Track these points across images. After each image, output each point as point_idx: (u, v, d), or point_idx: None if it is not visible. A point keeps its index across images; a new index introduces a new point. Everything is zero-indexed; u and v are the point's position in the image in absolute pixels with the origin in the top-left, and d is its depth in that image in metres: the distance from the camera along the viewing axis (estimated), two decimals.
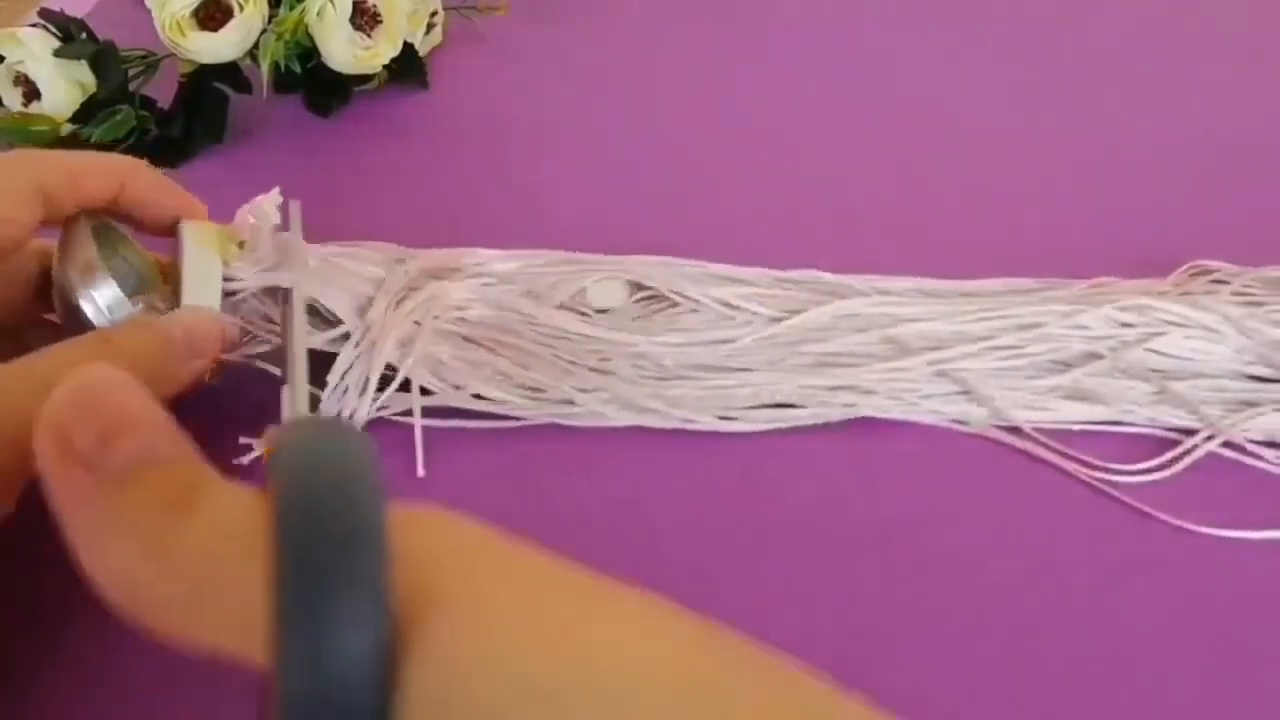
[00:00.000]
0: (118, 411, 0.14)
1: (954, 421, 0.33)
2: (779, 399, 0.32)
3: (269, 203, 0.32)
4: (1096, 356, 0.34)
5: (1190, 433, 0.32)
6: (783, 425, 0.32)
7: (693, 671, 0.12)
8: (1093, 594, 0.28)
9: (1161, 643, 0.27)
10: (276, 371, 0.31)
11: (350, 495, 0.13)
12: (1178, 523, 0.30)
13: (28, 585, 0.27)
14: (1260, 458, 0.32)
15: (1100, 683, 0.26)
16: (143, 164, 0.30)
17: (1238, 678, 0.26)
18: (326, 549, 0.12)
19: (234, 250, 0.31)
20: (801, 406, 0.32)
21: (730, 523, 0.30)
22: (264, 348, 0.31)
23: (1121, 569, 0.29)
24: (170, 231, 0.30)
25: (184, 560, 0.13)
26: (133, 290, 0.28)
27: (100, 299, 0.27)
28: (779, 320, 0.35)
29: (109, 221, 0.29)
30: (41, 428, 0.14)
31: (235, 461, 0.30)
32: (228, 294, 0.30)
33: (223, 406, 0.31)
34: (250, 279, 0.31)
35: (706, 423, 0.32)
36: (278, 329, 0.31)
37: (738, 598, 0.28)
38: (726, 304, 0.35)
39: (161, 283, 0.29)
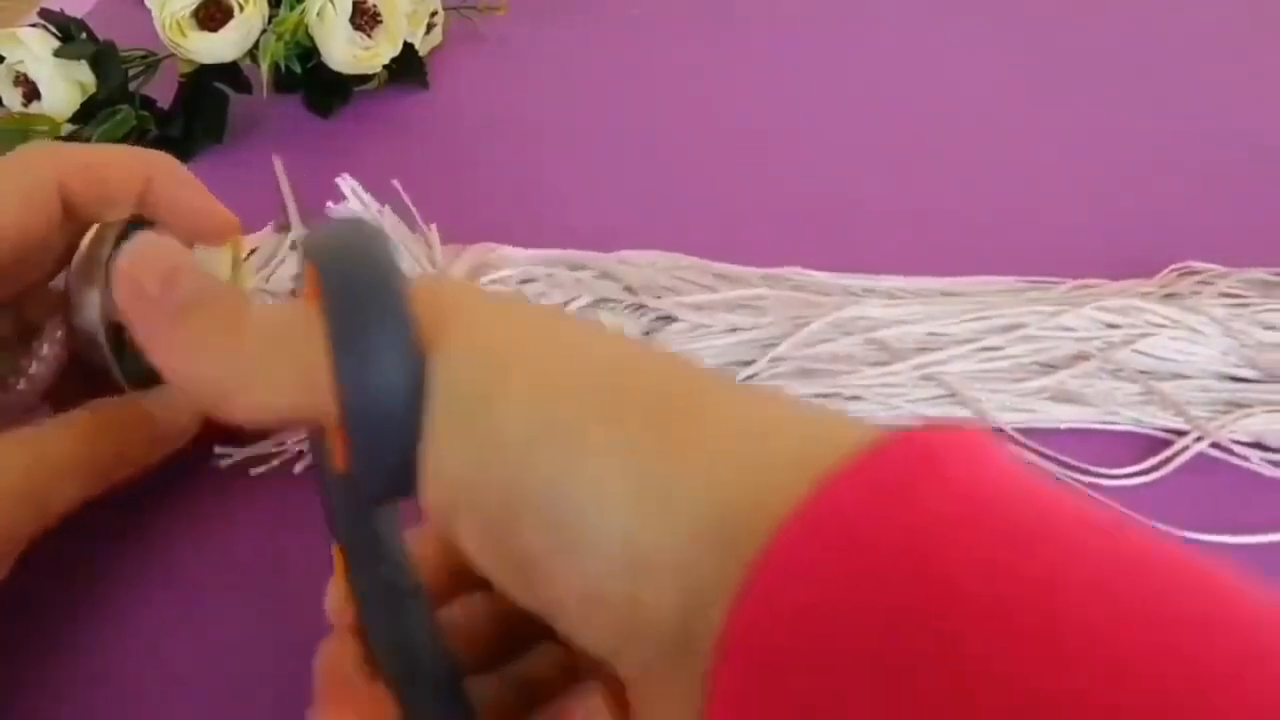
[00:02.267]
0: (172, 262, 0.18)
1: None
2: None
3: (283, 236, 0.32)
4: (1082, 358, 0.34)
5: (1177, 434, 0.32)
6: None
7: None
8: None
9: None
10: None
11: (376, 257, 0.17)
12: (1164, 527, 0.30)
13: (27, 585, 0.27)
14: (1247, 459, 0.32)
15: None
16: (170, 159, 0.29)
17: None
18: (364, 290, 0.16)
19: (248, 275, 0.31)
20: None
21: None
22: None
23: None
24: (188, 242, 0.29)
25: (250, 348, 0.17)
26: None
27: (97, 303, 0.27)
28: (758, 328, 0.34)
29: (131, 229, 0.27)
30: (119, 281, 0.18)
31: (213, 464, 0.30)
32: None
33: None
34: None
35: None
36: None
37: None
38: (709, 322, 0.35)
39: None
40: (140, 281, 0.18)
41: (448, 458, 0.16)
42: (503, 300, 0.18)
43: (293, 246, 0.34)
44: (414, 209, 0.37)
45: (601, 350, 0.17)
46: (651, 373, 0.16)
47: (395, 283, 0.16)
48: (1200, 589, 0.12)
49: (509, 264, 0.35)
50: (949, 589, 0.12)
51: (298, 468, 0.30)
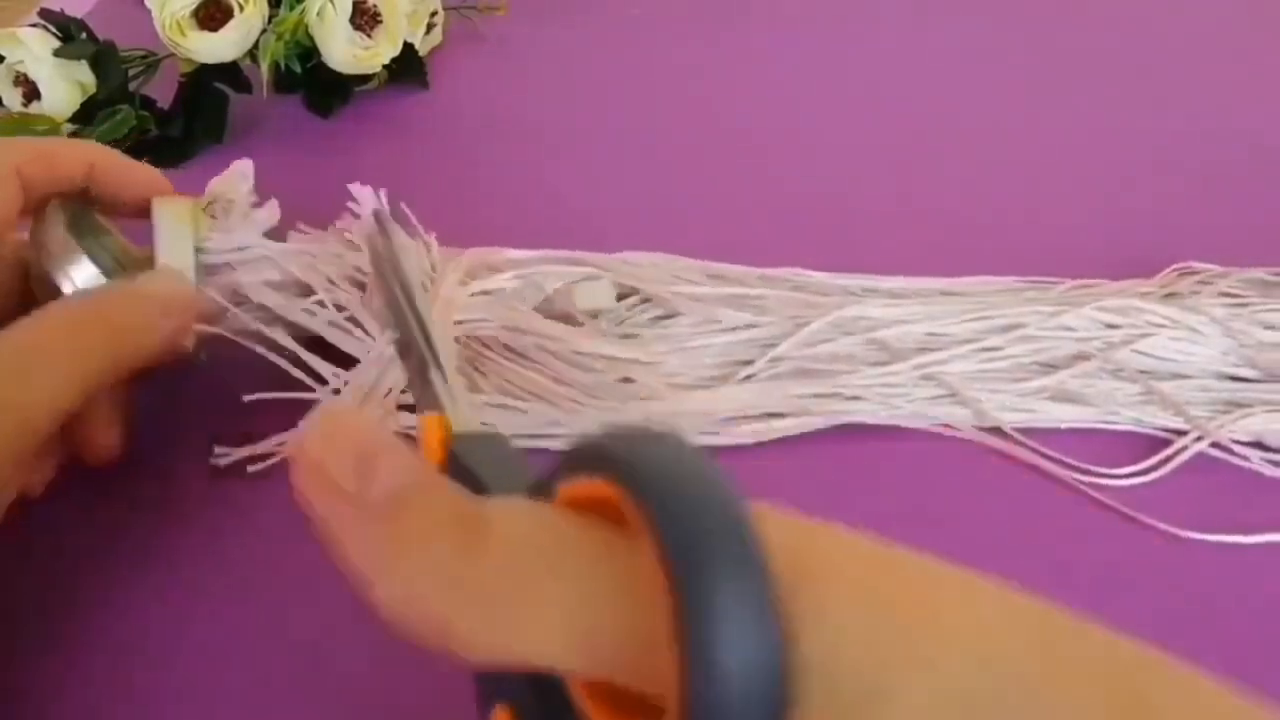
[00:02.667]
0: (367, 438, 0.14)
1: (940, 425, 0.32)
2: (766, 410, 0.32)
3: (238, 173, 0.32)
4: (1082, 358, 0.34)
5: (1177, 434, 0.32)
6: (767, 438, 0.32)
7: (1052, 645, 0.13)
8: (1079, 598, 0.28)
9: (1151, 643, 0.27)
10: (257, 348, 0.31)
11: (722, 490, 0.13)
12: (1165, 527, 0.30)
13: (27, 585, 0.27)
14: (1247, 459, 0.32)
15: None
16: (106, 147, 0.31)
17: (1228, 682, 0.26)
18: (718, 537, 0.12)
19: (206, 222, 0.31)
20: (788, 416, 0.32)
21: None
22: (246, 322, 0.31)
23: (1108, 572, 0.29)
24: (144, 213, 0.30)
25: (485, 581, 0.13)
26: (109, 273, 0.28)
27: (78, 277, 0.27)
28: (759, 327, 0.34)
29: (83, 206, 0.29)
30: (300, 470, 0.14)
31: (212, 461, 0.30)
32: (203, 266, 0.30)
33: (189, 402, 0.31)
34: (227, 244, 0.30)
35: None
36: (254, 306, 0.31)
37: None
38: (727, 312, 0.35)
39: (138, 268, 0.29)
40: (329, 469, 0.14)
41: None
42: (880, 548, 0.14)
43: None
44: (409, 212, 0.37)
45: (1028, 624, 0.13)
46: (1100, 671, 0.13)
47: (752, 527, 0.13)
48: None
49: (510, 266, 0.35)
50: None
51: None
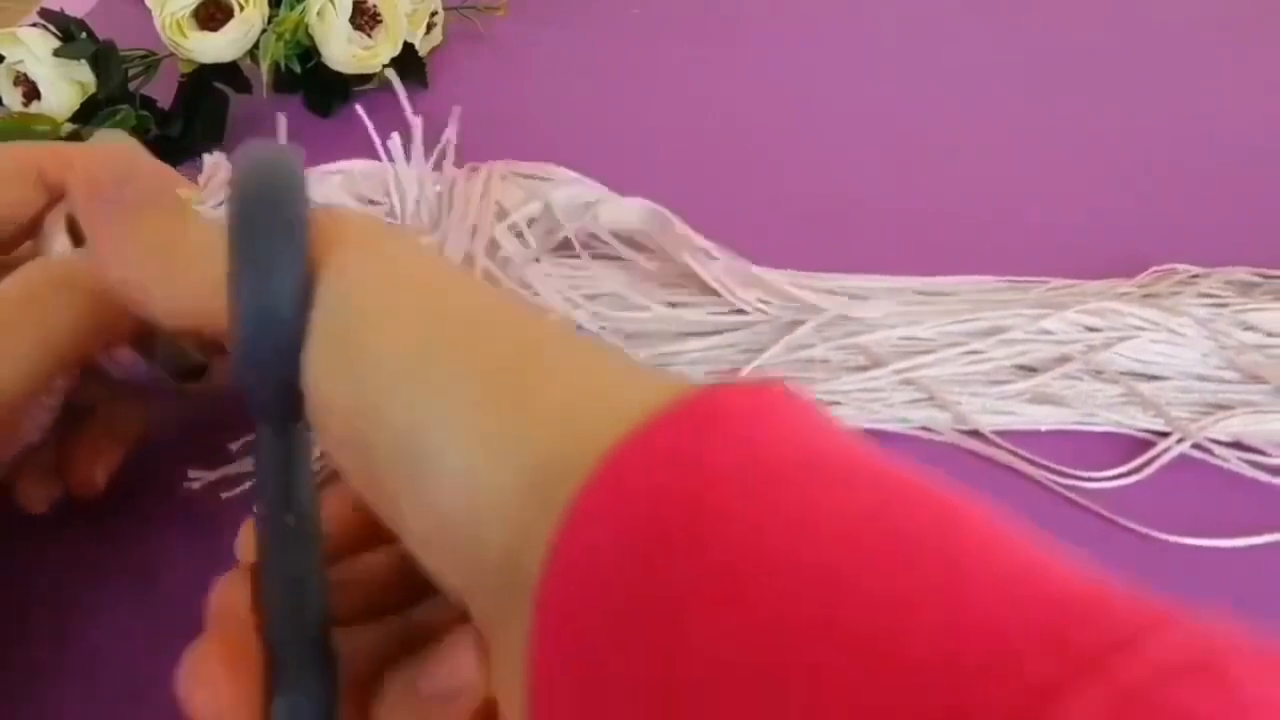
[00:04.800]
0: (130, 164, 0.20)
1: (921, 429, 0.33)
2: None
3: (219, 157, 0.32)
4: (1063, 360, 0.34)
5: (1158, 435, 0.33)
6: None
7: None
8: None
9: None
10: None
11: (284, 177, 0.18)
12: (1145, 529, 0.30)
13: (26, 585, 0.27)
14: (1228, 460, 0.32)
15: None
16: (139, 148, 0.30)
17: None
18: (265, 206, 0.17)
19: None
20: None
21: None
22: None
23: None
24: None
25: (179, 253, 0.19)
26: None
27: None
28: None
29: None
30: (76, 173, 0.20)
31: (186, 485, 0.30)
32: None
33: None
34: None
35: None
36: None
37: None
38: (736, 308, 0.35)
39: None
40: (98, 177, 0.20)
41: (324, 378, 0.17)
42: (398, 236, 0.19)
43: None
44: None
45: (474, 297, 0.18)
46: (514, 324, 0.18)
47: (295, 203, 0.17)
48: (951, 532, 0.14)
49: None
50: (713, 524, 0.13)
51: None
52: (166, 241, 0.19)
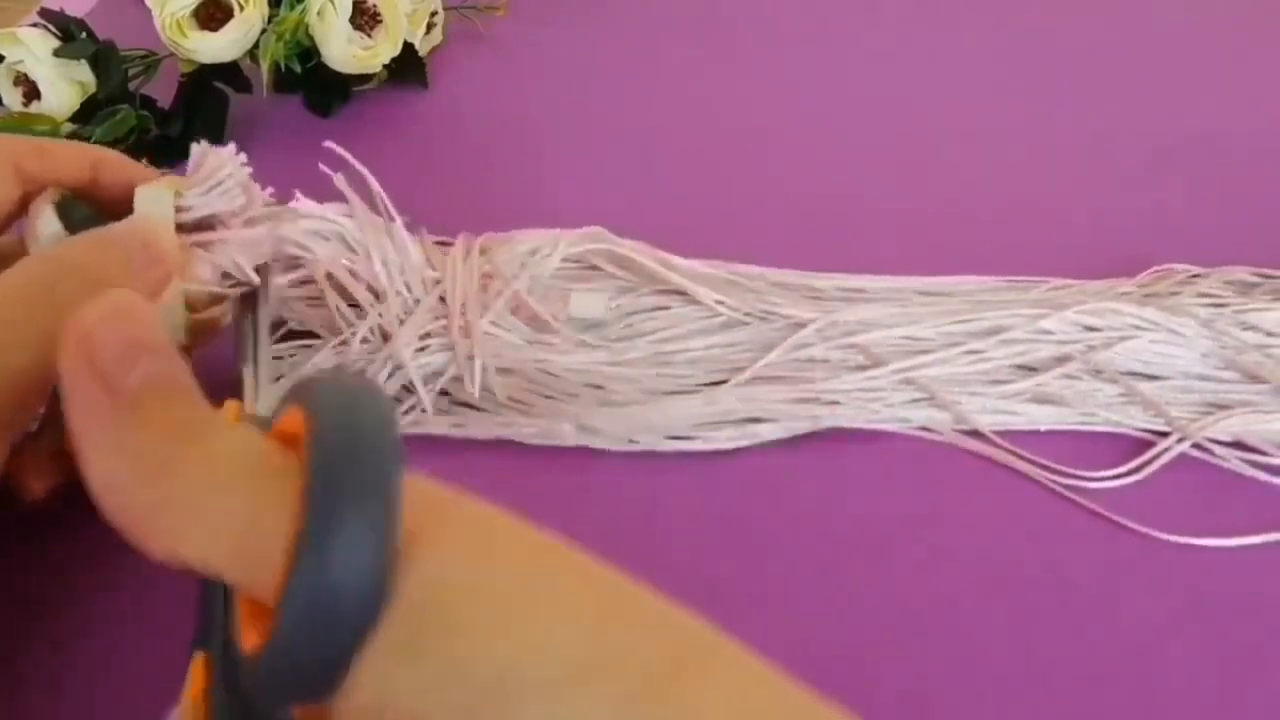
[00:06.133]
0: (140, 336, 0.15)
1: (921, 429, 0.33)
2: (745, 415, 0.32)
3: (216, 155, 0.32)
4: (1063, 360, 0.34)
5: (1158, 435, 0.33)
6: (746, 443, 0.32)
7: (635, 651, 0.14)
8: (1060, 600, 0.28)
9: (1129, 646, 0.27)
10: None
11: (378, 429, 0.15)
12: (1145, 530, 0.30)
13: (26, 585, 0.27)
14: (1227, 460, 0.32)
15: (1068, 690, 0.26)
16: (112, 151, 0.30)
17: (1210, 682, 0.26)
18: (357, 467, 0.14)
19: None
20: (766, 421, 0.32)
21: (698, 538, 0.30)
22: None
23: (1089, 574, 0.29)
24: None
25: (178, 484, 0.14)
26: None
27: None
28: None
29: (73, 199, 0.29)
30: (70, 338, 0.15)
31: None
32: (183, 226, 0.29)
33: None
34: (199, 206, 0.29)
35: (649, 442, 0.31)
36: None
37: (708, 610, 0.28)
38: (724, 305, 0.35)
39: None
40: (96, 345, 0.15)
41: (391, 676, 0.14)
42: (497, 514, 0.16)
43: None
44: (389, 203, 0.37)
45: (602, 592, 0.15)
46: (652, 629, 0.15)
47: (391, 468, 0.14)
48: None
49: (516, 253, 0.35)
50: None
51: None
52: (182, 456, 0.15)
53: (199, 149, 0.30)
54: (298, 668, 0.14)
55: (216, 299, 0.29)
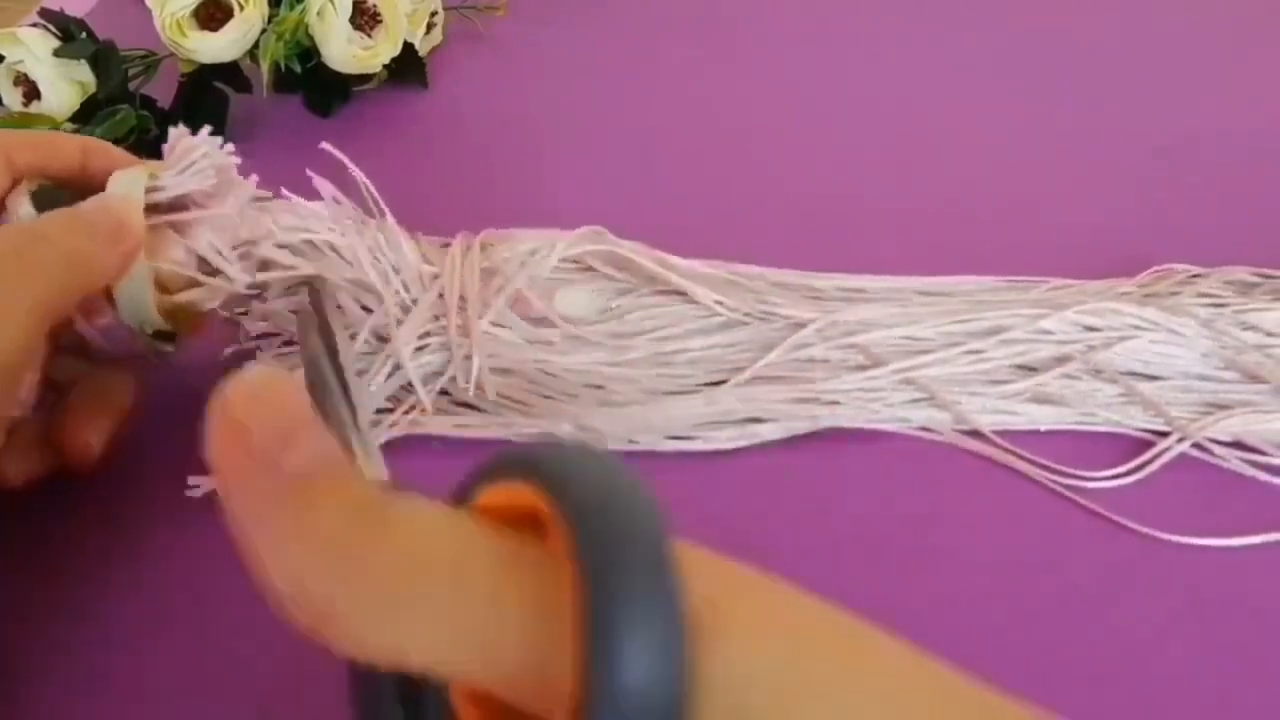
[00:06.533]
0: (293, 413, 0.14)
1: (921, 429, 0.33)
2: (744, 415, 0.32)
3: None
4: (1063, 360, 0.34)
5: (1158, 435, 0.33)
6: (746, 443, 0.32)
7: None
8: (1060, 600, 0.28)
9: (1129, 646, 0.27)
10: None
11: (647, 515, 0.13)
12: (1145, 530, 0.30)
13: (26, 585, 0.27)
14: (1228, 460, 0.32)
15: (1068, 690, 0.26)
16: (99, 140, 0.31)
17: (1210, 682, 0.26)
18: (637, 567, 0.13)
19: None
20: (766, 421, 0.32)
21: (698, 538, 0.30)
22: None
23: (1089, 574, 0.29)
24: None
25: (380, 572, 0.13)
26: None
27: None
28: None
29: (53, 188, 0.29)
30: (220, 426, 0.13)
31: (187, 493, 0.29)
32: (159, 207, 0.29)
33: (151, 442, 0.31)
34: (172, 185, 0.29)
35: (649, 442, 0.31)
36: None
37: None
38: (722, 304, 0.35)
39: None
40: (249, 431, 0.13)
41: None
42: (777, 583, 0.14)
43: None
44: (379, 199, 0.37)
45: (929, 686, 0.14)
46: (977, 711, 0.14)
47: (671, 554, 0.13)
48: None
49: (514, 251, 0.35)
50: None
51: None
52: (361, 548, 0.13)
53: (175, 132, 0.30)
54: None
55: (192, 283, 0.29)
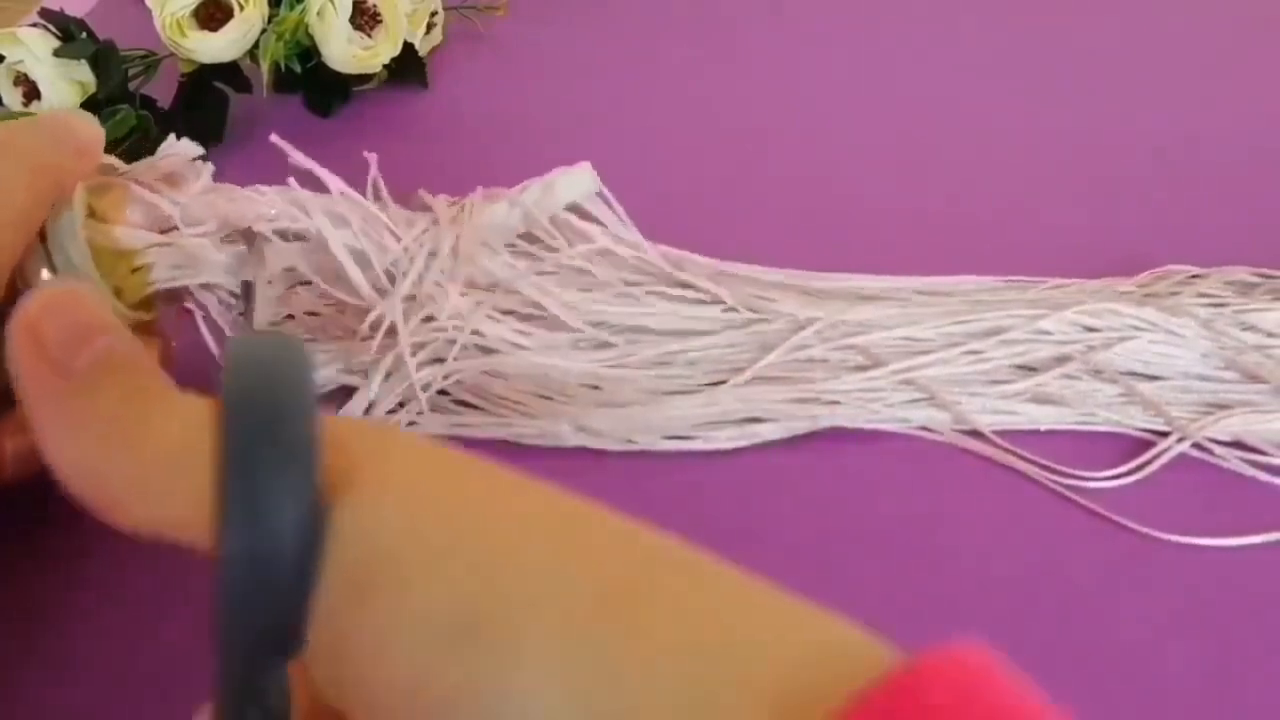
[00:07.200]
0: (86, 318, 0.15)
1: (921, 429, 0.33)
2: (744, 415, 0.32)
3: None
4: (1063, 360, 0.34)
5: (1158, 435, 0.33)
6: (746, 443, 0.32)
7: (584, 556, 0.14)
8: (1060, 600, 0.28)
9: (1129, 646, 0.27)
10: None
11: (289, 382, 0.15)
12: (1145, 530, 0.30)
13: (26, 585, 0.27)
14: (1228, 460, 0.32)
15: (1068, 690, 0.26)
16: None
17: (1210, 682, 0.26)
18: (268, 430, 0.14)
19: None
20: (766, 421, 0.32)
21: (698, 538, 0.30)
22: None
23: (1089, 574, 0.29)
24: None
25: (142, 452, 0.15)
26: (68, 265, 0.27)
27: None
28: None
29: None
30: (18, 328, 0.15)
31: None
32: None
33: None
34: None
35: (648, 442, 0.31)
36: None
37: None
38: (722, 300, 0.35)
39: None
40: (43, 333, 0.15)
41: (340, 631, 0.14)
42: (431, 447, 0.16)
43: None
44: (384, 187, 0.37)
45: (550, 523, 0.15)
46: (604, 559, 0.14)
47: (301, 421, 0.14)
48: None
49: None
50: None
51: None
52: (132, 432, 0.15)
53: (165, 144, 0.31)
54: (248, 620, 0.14)
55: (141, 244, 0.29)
